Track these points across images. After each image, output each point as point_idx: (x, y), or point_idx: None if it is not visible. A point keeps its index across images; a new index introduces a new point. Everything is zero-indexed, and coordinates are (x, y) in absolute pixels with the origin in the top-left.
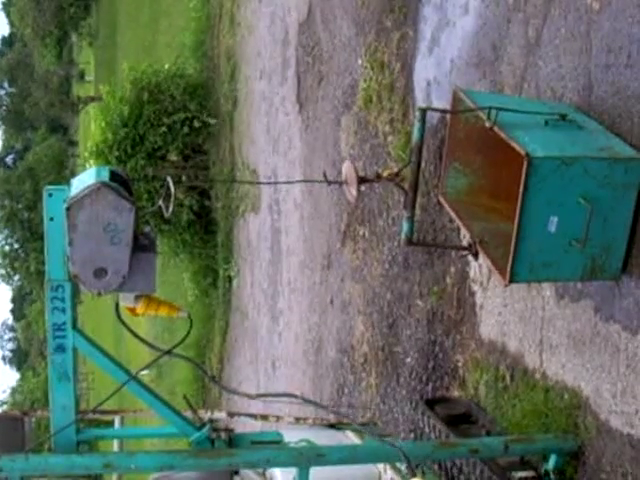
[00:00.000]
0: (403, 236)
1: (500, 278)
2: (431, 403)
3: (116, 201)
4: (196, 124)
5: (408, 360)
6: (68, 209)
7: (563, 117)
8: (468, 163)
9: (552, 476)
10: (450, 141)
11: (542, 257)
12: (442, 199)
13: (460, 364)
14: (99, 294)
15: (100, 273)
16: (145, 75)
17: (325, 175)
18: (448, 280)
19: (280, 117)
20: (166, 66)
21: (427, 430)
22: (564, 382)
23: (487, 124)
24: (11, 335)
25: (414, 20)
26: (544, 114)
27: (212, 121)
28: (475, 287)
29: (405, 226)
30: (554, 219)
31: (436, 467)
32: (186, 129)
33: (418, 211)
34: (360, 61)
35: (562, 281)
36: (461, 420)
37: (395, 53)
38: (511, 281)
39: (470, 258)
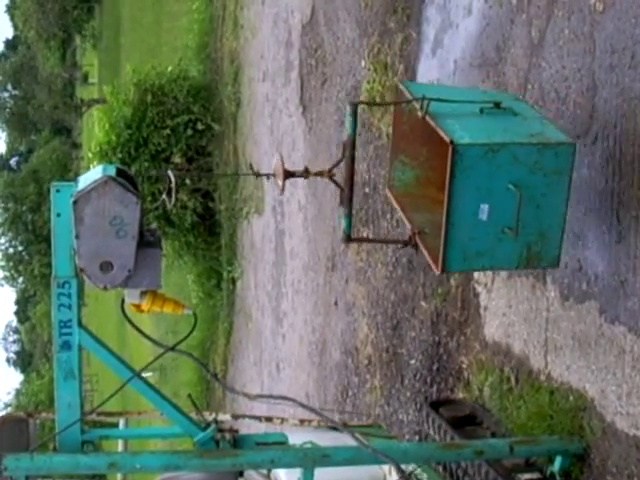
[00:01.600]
0: (341, 233)
1: (434, 268)
2: (436, 405)
3: (122, 194)
4: (199, 126)
5: (412, 362)
6: (75, 202)
7: (497, 105)
8: (414, 156)
9: (557, 478)
10: (395, 134)
11: (475, 246)
12: (388, 193)
13: (465, 366)
14: (105, 288)
15: (106, 267)
16: (148, 77)
17: (252, 167)
18: (452, 281)
19: (284, 119)
20: (169, 68)
21: (432, 432)
22: (569, 384)
23: (419, 114)
24: (15, 337)
25: (417, 21)
26: (479, 102)
27: (216, 127)
28: (479, 288)
29: (343, 223)
30: (485, 207)
31: (441, 469)
32: (190, 131)
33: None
34: (363, 63)
35: (498, 269)
36: (466, 422)
37: (398, 54)
38: (444, 270)
39: None
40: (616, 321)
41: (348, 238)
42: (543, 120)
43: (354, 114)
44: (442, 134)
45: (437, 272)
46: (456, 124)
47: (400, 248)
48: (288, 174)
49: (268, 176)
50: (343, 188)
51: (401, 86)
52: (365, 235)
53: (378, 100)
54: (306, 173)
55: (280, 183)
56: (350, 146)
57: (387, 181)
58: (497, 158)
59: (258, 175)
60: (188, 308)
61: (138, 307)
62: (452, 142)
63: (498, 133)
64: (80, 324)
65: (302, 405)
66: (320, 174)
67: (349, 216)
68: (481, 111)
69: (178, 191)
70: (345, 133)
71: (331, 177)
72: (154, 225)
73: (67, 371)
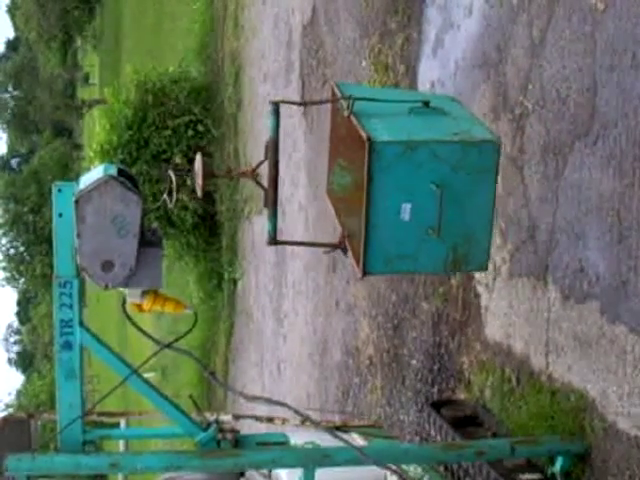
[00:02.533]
0: (266, 235)
1: (357, 271)
2: (437, 405)
3: (123, 194)
4: (200, 127)
5: (413, 362)
6: (77, 202)
7: (426, 104)
8: (352, 160)
9: (559, 478)
10: (333, 138)
11: (398, 248)
12: (326, 197)
13: (466, 366)
14: (106, 287)
15: (108, 266)
16: (149, 78)
17: (176, 167)
18: (453, 282)
19: (284, 119)
20: (170, 69)
21: (433, 432)
22: (570, 384)
23: (345, 113)
24: (17, 338)
25: (418, 22)
26: (409, 102)
27: (214, 132)
28: (480, 289)
29: (268, 224)
30: (407, 206)
31: (442, 469)
32: (190, 132)
33: None
34: (364, 63)
35: (423, 273)
36: (467, 422)
37: (399, 55)
38: (365, 273)
39: None
40: (617, 321)
41: (273, 240)
42: (473, 120)
43: (276, 113)
44: (361, 132)
45: (359, 275)
46: (380, 123)
47: (328, 252)
48: (211, 175)
49: (190, 176)
50: (267, 189)
51: (334, 86)
52: None
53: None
54: (228, 174)
55: (200, 183)
56: (273, 146)
57: (327, 186)
58: (416, 156)
59: (179, 174)
60: (189, 307)
61: (139, 307)
62: (369, 139)
63: (420, 131)
64: (81, 324)
65: (297, 412)
66: (243, 174)
67: (274, 217)
68: (410, 111)
69: (179, 191)
70: (269, 133)
71: (254, 178)
72: (155, 224)
73: (68, 371)
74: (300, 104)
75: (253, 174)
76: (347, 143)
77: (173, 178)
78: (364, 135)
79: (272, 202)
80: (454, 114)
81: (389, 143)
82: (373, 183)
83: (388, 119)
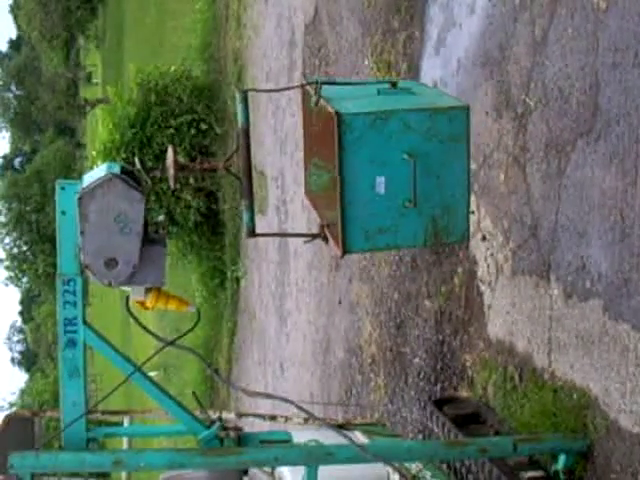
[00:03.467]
0: (245, 227)
1: (337, 251)
2: (439, 403)
3: (126, 191)
4: (203, 126)
5: (416, 360)
6: (80, 200)
7: (394, 85)
8: (327, 158)
9: (561, 476)
10: (306, 138)
11: (376, 222)
12: (305, 197)
13: (468, 364)
14: (110, 285)
15: (111, 263)
16: (152, 77)
17: (141, 161)
18: (456, 280)
19: (287, 118)
20: (173, 68)
21: (436, 430)
22: (573, 382)
23: (313, 99)
24: (20, 337)
25: (420, 20)
26: (376, 84)
27: (218, 129)
28: (483, 287)
29: (245, 216)
30: (381, 179)
31: (445, 467)
32: (193, 131)
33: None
34: (367, 62)
35: (404, 247)
36: (470, 420)
37: (402, 53)
38: (346, 251)
39: (478, 258)
40: (620, 319)
41: (251, 232)
42: (441, 94)
43: (244, 101)
44: (329, 109)
45: (339, 254)
46: (349, 103)
47: (309, 241)
48: (181, 167)
49: (162, 170)
50: (241, 179)
51: (302, 78)
52: None
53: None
54: (201, 167)
55: (172, 177)
56: (244, 135)
57: (304, 187)
58: (387, 126)
59: (149, 171)
60: (192, 305)
61: (143, 304)
62: (337, 112)
63: (388, 104)
64: (85, 322)
65: (299, 407)
66: (215, 167)
67: (251, 208)
68: (378, 92)
69: (183, 191)
70: (238, 122)
71: (227, 169)
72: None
73: (72, 369)
74: (269, 91)
75: (225, 165)
76: (320, 140)
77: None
78: (332, 111)
79: (248, 193)
80: (422, 93)
81: (358, 114)
82: (345, 157)
83: (357, 100)
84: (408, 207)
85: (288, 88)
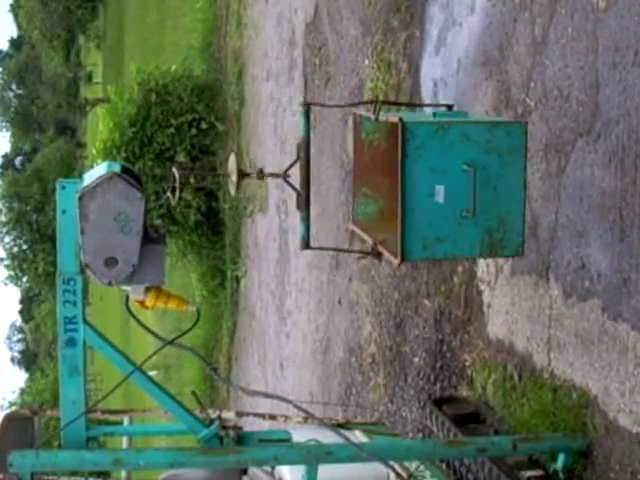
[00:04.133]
0: (299, 239)
1: (393, 260)
2: (439, 402)
3: (127, 190)
4: (203, 125)
5: (416, 360)
6: (80, 198)
7: (449, 107)
8: (376, 188)
9: (561, 475)
10: (356, 167)
11: (434, 231)
12: (354, 227)
13: (468, 363)
14: (110, 284)
15: (111, 262)
16: (152, 77)
17: (180, 165)
18: (455, 279)
19: (287, 118)
20: (173, 67)
21: (435, 429)
22: (572, 381)
23: (372, 117)
24: (20, 336)
25: (421, 20)
26: (432, 106)
27: (220, 126)
28: (482, 286)
29: (300, 228)
30: (440, 188)
31: (444, 466)
32: (194, 130)
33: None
34: (367, 61)
35: (461, 258)
36: (469, 419)
37: (402, 53)
38: (404, 259)
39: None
40: (619, 319)
41: (306, 245)
42: (495, 118)
43: (306, 115)
44: (393, 119)
45: (396, 263)
46: (410, 118)
47: (361, 258)
48: (243, 175)
49: (222, 176)
50: (299, 191)
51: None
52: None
53: (381, 99)
54: (260, 174)
55: (234, 184)
56: (304, 147)
57: (351, 217)
58: (448, 136)
59: (215, 175)
60: (192, 304)
61: (142, 303)
62: (401, 120)
63: (447, 118)
64: (85, 320)
65: (297, 407)
66: (275, 175)
67: (307, 221)
68: (434, 115)
69: (182, 190)
70: (299, 134)
71: (285, 179)
72: (159, 221)
73: (72, 367)
74: (330, 106)
75: (284, 175)
76: (371, 170)
77: (177, 176)
78: (396, 119)
79: (305, 204)
80: (476, 116)
81: (421, 123)
82: (407, 164)
83: (416, 116)
84: (466, 217)
85: (352, 104)
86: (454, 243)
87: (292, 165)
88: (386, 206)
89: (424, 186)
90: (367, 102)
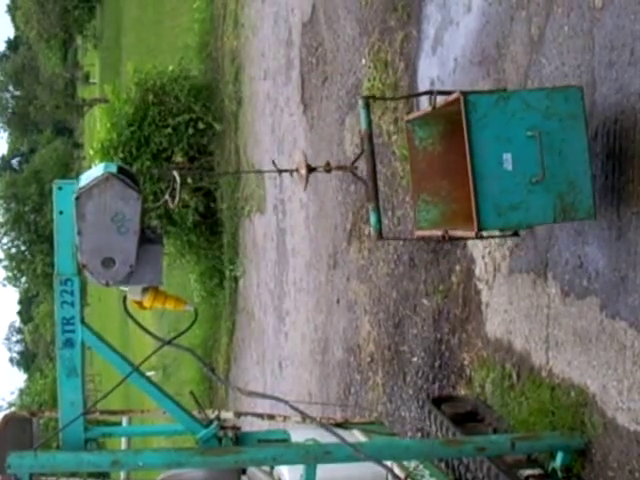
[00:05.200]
0: (372, 229)
1: (470, 233)
2: (437, 402)
3: (123, 190)
4: (201, 125)
5: (414, 359)
6: (77, 199)
7: (504, 89)
8: (436, 192)
9: (559, 474)
10: (414, 175)
11: (507, 199)
12: (419, 233)
13: (466, 362)
14: (107, 284)
15: (108, 263)
16: (149, 77)
17: (274, 164)
18: (454, 278)
19: (285, 117)
20: (170, 67)
21: (434, 429)
22: (570, 380)
23: (430, 107)
24: (18, 337)
25: (417, 19)
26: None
27: (217, 126)
28: (481, 285)
29: (372, 218)
30: (508, 156)
31: (443, 465)
32: (191, 130)
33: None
34: (364, 61)
35: (535, 224)
36: (468, 418)
37: (399, 52)
38: (480, 228)
39: (476, 256)
40: (617, 317)
41: (379, 235)
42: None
43: (366, 107)
44: (452, 96)
45: (473, 234)
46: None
47: (434, 243)
48: (311, 169)
49: (291, 172)
50: (367, 182)
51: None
52: (367, 232)
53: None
54: (328, 167)
55: (304, 180)
56: (367, 139)
57: (414, 224)
58: (509, 105)
59: (281, 172)
60: (189, 305)
61: (140, 304)
62: (462, 92)
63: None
64: (83, 321)
65: (293, 407)
66: (342, 168)
67: (377, 210)
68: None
69: (181, 191)
70: (361, 127)
71: (353, 171)
72: (156, 222)
73: (70, 369)
74: (391, 99)
75: (352, 168)
76: (428, 176)
77: (177, 178)
78: (456, 94)
79: (374, 195)
80: None
81: (482, 94)
82: (472, 135)
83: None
84: (536, 183)
85: (410, 96)
86: (527, 210)
87: (358, 157)
88: (447, 208)
89: (492, 155)
90: (423, 93)
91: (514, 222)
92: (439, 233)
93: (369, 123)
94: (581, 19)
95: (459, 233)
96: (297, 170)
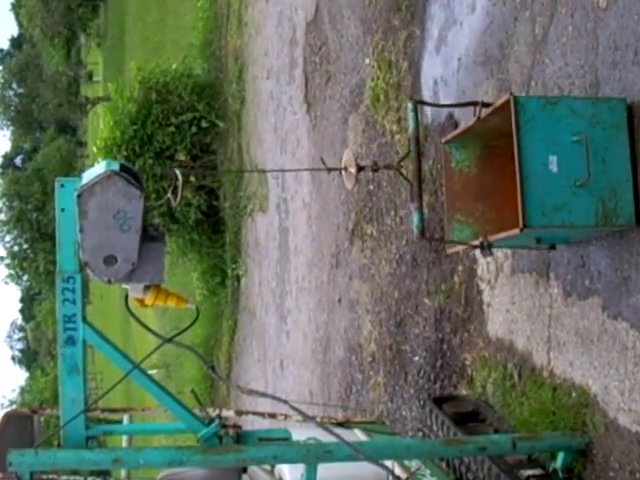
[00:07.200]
0: (415, 229)
1: (514, 231)
2: (439, 401)
3: (125, 188)
4: (204, 124)
5: (416, 359)
6: (79, 196)
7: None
8: (470, 213)
9: (560, 474)
10: (449, 196)
11: (551, 199)
12: (452, 250)
13: (468, 362)
14: (109, 282)
15: (110, 260)
16: (153, 75)
17: (323, 161)
18: (456, 278)
19: (288, 116)
20: (174, 66)
21: (435, 428)
22: (572, 380)
23: (474, 119)
24: (20, 335)
25: (421, 19)
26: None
27: (220, 124)
28: (483, 285)
29: (415, 218)
30: (553, 158)
31: (444, 465)
32: (194, 129)
33: (425, 210)
34: (367, 60)
35: (578, 227)
36: (469, 418)
37: (402, 52)
38: (525, 225)
39: (478, 256)
40: (619, 317)
41: (421, 235)
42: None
43: (415, 110)
44: (502, 100)
45: (518, 230)
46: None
47: (477, 247)
48: (360, 168)
49: (340, 170)
50: (412, 182)
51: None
52: (369, 232)
53: (382, 98)
54: (375, 166)
55: (353, 178)
56: (415, 141)
57: (448, 243)
58: (556, 110)
59: (330, 170)
60: (191, 302)
61: (142, 302)
62: (512, 94)
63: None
64: (84, 319)
65: (292, 407)
66: (390, 167)
67: (420, 210)
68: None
69: (183, 189)
70: (409, 128)
71: (399, 170)
72: (157, 221)
73: (71, 366)
74: (439, 106)
75: (398, 166)
76: (463, 197)
77: (179, 176)
78: (507, 96)
79: (418, 196)
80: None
81: (531, 97)
82: (521, 136)
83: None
84: (580, 186)
85: (457, 105)
86: (570, 212)
87: (405, 157)
88: (480, 229)
89: (538, 156)
90: (469, 104)
91: (557, 222)
92: (476, 243)
93: (417, 125)
94: (585, 19)
95: (500, 235)
96: (346, 169)
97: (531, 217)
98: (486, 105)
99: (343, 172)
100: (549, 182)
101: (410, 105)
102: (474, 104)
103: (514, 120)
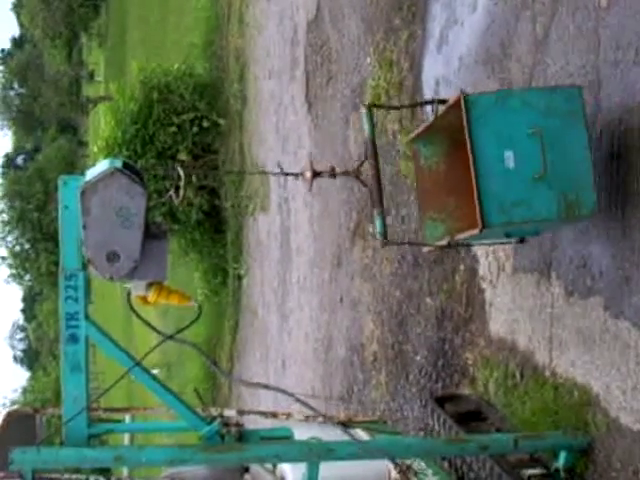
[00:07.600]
0: (377, 235)
1: (475, 231)
2: (441, 401)
3: (128, 185)
4: (205, 124)
5: (418, 358)
6: (82, 193)
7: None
8: (442, 208)
9: (562, 473)
10: (420, 194)
11: (510, 196)
12: (426, 250)
13: (470, 362)
14: (111, 279)
15: (113, 257)
16: (154, 75)
17: (280, 166)
18: (457, 278)
19: (289, 116)
20: (175, 66)
21: (437, 427)
22: (574, 379)
23: (432, 117)
24: (22, 335)
25: (422, 18)
26: None
27: (222, 122)
28: (484, 285)
29: (378, 224)
30: (509, 154)
31: (446, 464)
32: (195, 129)
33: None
34: (369, 60)
35: (539, 221)
36: (471, 417)
37: (404, 51)
38: (484, 225)
39: (480, 255)
40: (620, 317)
41: (385, 240)
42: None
43: (370, 115)
44: (453, 98)
45: (477, 230)
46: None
47: (436, 251)
48: (316, 174)
49: (296, 175)
50: (370, 187)
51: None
52: (371, 232)
53: (383, 97)
54: (332, 173)
55: (307, 184)
56: (371, 146)
57: (422, 240)
58: (508, 104)
59: (286, 174)
60: (193, 300)
61: (144, 299)
62: (462, 92)
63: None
64: (87, 317)
65: (298, 400)
66: (346, 173)
67: (382, 216)
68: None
69: (185, 188)
70: (365, 134)
71: (357, 176)
72: (159, 219)
73: (74, 364)
74: (394, 108)
75: (356, 173)
76: (434, 194)
77: (182, 175)
78: (457, 95)
79: (378, 201)
80: None
81: (481, 94)
82: (473, 133)
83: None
84: (538, 179)
85: (410, 106)
86: (530, 207)
87: (362, 163)
88: (453, 225)
89: (493, 153)
90: (425, 103)
91: (517, 218)
92: (445, 242)
93: (372, 130)
94: (586, 19)
95: (464, 235)
96: (302, 174)
97: (490, 216)
98: (443, 102)
99: (300, 177)
100: (506, 179)
101: (364, 110)
102: (430, 103)
103: (465, 117)
